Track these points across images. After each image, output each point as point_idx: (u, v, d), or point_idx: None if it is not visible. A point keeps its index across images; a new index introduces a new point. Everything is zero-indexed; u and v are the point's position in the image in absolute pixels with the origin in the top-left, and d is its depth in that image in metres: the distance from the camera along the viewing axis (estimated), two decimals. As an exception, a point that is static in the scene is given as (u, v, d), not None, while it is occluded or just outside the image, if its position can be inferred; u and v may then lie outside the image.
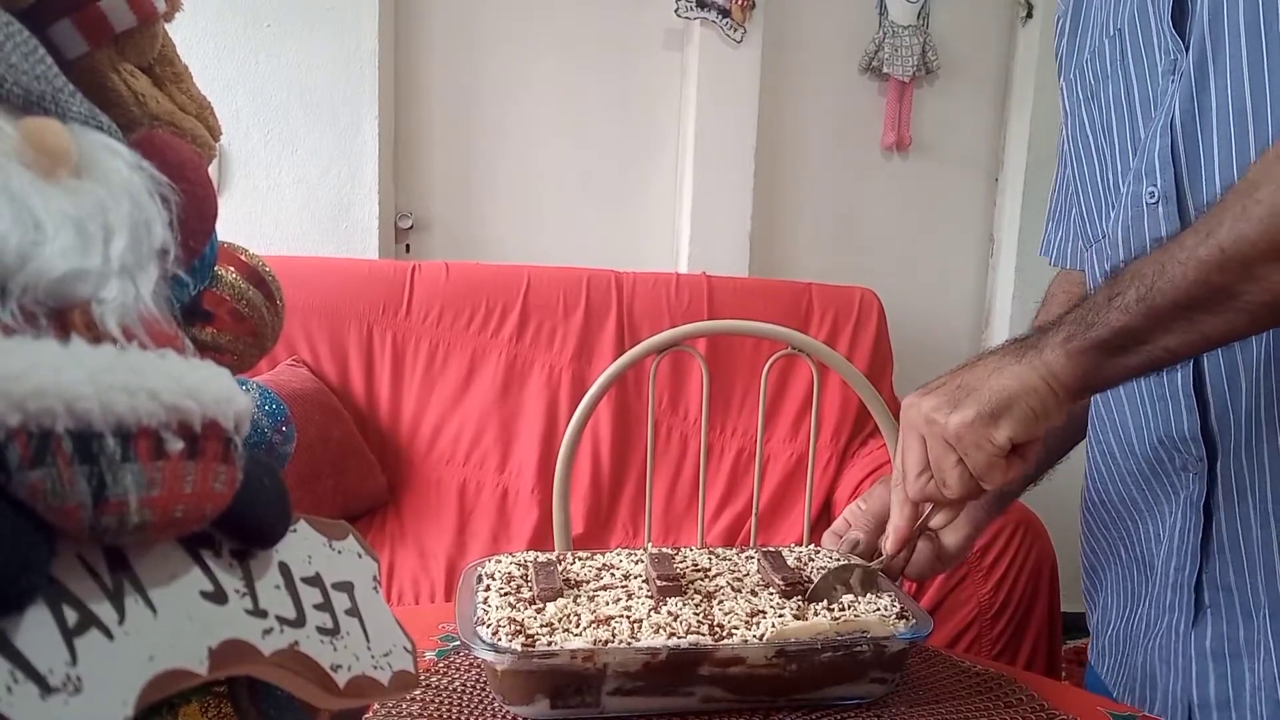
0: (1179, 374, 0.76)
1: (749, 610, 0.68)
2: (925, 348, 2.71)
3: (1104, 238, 0.83)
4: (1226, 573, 0.75)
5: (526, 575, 0.72)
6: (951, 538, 0.82)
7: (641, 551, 0.78)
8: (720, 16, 2.37)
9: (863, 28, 2.56)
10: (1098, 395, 0.85)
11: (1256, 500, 0.73)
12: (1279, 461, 0.71)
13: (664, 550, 0.78)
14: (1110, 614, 0.89)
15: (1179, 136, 0.72)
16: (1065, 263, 0.98)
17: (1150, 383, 0.79)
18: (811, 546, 0.83)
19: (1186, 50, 0.72)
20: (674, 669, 0.64)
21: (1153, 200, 0.75)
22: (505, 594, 0.69)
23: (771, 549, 0.80)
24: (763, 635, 0.64)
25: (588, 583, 0.72)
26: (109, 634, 0.28)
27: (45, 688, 0.25)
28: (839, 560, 0.79)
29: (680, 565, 0.76)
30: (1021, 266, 2.62)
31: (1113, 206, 0.81)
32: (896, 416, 0.84)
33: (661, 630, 0.64)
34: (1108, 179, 0.83)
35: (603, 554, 0.78)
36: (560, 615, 0.66)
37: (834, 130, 2.61)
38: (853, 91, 2.61)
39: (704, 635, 0.64)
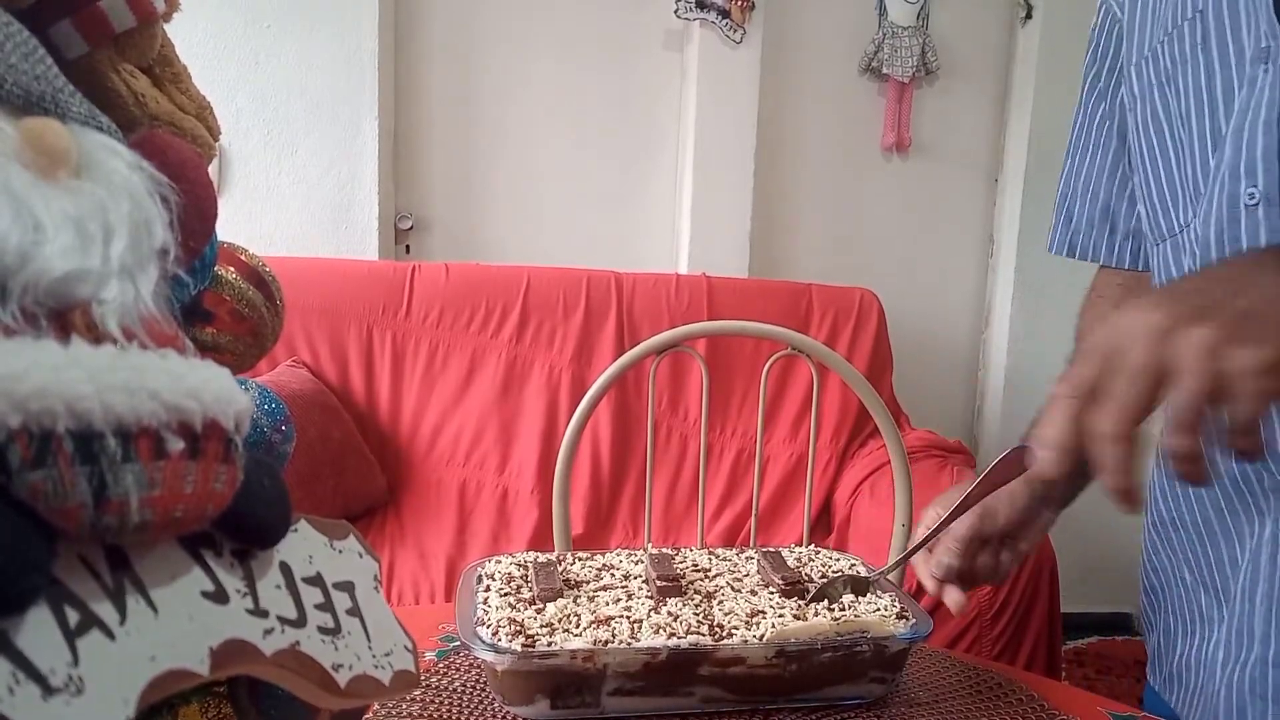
0: None
1: (749, 610, 0.68)
2: (925, 348, 2.71)
3: (1181, 232, 0.78)
4: None
5: (526, 576, 0.72)
6: (1025, 543, 0.79)
7: (641, 552, 0.78)
8: (720, 17, 2.37)
9: (862, 28, 2.56)
10: None
11: None
12: None
13: (664, 551, 0.78)
14: (1175, 638, 0.84)
15: None
16: (1085, 256, 0.93)
17: None
18: (811, 547, 0.83)
19: None
20: (674, 669, 0.64)
21: (1253, 202, 0.70)
22: (505, 594, 0.69)
23: (771, 549, 0.80)
24: (763, 635, 0.64)
25: (587, 583, 0.72)
26: (110, 634, 0.28)
27: (47, 688, 0.25)
28: (837, 559, 0.79)
29: (680, 566, 0.76)
30: (1021, 267, 2.62)
31: (1194, 201, 0.76)
32: (896, 417, 0.83)
33: (662, 630, 0.64)
34: (1185, 171, 0.78)
35: (602, 554, 0.78)
36: (560, 615, 0.66)
37: (834, 131, 2.61)
38: (853, 92, 2.61)
39: (704, 635, 0.64)
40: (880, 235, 2.68)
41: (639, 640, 0.63)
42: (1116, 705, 0.73)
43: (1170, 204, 0.79)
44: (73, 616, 0.27)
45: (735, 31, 2.38)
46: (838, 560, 0.80)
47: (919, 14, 2.54)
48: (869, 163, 2.65)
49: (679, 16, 2.37)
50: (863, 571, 0.77)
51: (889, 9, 2.54)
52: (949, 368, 2.79)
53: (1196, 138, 0.76)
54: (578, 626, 0.65)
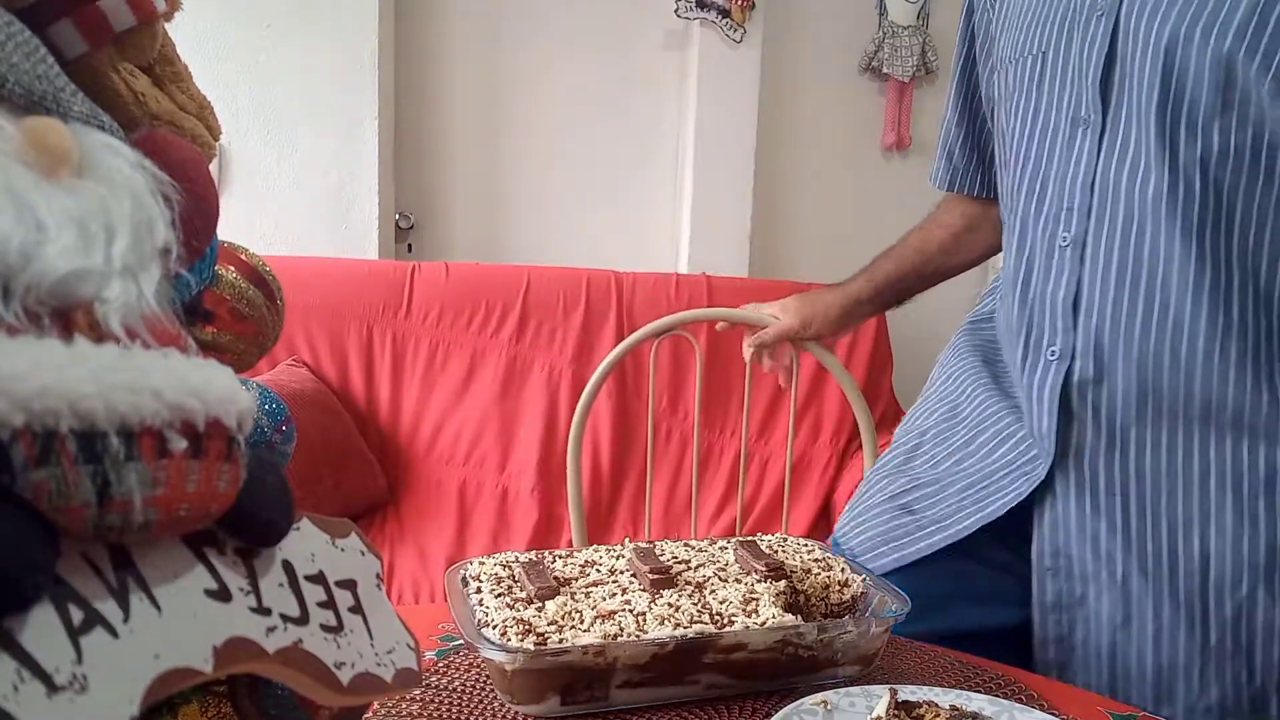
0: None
1: (742, 597, 0.70)
2: (925, 348, 2.71)
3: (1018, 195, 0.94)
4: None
5: (514, 575, 0.73)
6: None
7: (620, 547, 0.79)
8: (720, 16, 2.37)
9: (862, 28, 2.56)
10: None
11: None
12: None
13: (642, 545, 0.79)
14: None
15: (1093, 192, 0.83)
16: (963, 190, 1.18)
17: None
18: (779, 535, 0.85)
19: (1104, 116, 0.82)
20: (680, 658, 0.65)
21: (1064, 244, 0.87)
22: (499, 595, 0.69)
23: (746, 538, 0.81)
24: (764, 622, 0.66)
25: (576, 579, 0.73)
26: (114, 632, 0.28)
27: (51, 686, 0.25)
28: (809, 547, 0.82)
29: (661, 559, 0.77)
30: (1021, 266, 2.62)
31: (1030, 207, 0.91)
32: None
33: (666, 622, 0.65)
34: (1020, 182, 0.93)
35: (581, 551, 0.79)
36: (562, 613, 0.66)
37: (834, 130, 2.61)
38: (853, 91, 2.61)
39: (707, 624, 0.65)
40: (880, 235, 2.67)
41: (646, 633, 0.64)
42: (1116, 705, 0.74)
43: (1017, 182, 0.93)
44: (76, 615, 0.27)
45: (735, 31, 2.38)
46: (808, 548, 0.82)
47: (919, 13, 2.54)
48: (869, 162, 2.65)
49: (679, 16, 2.37)
50: (833, 559, 0.79)
51: (889, 8, 2.54)
52: (949, 367, 2.79)
53: (1029, 163, 0.91)
54: (582, 622, 0.65)
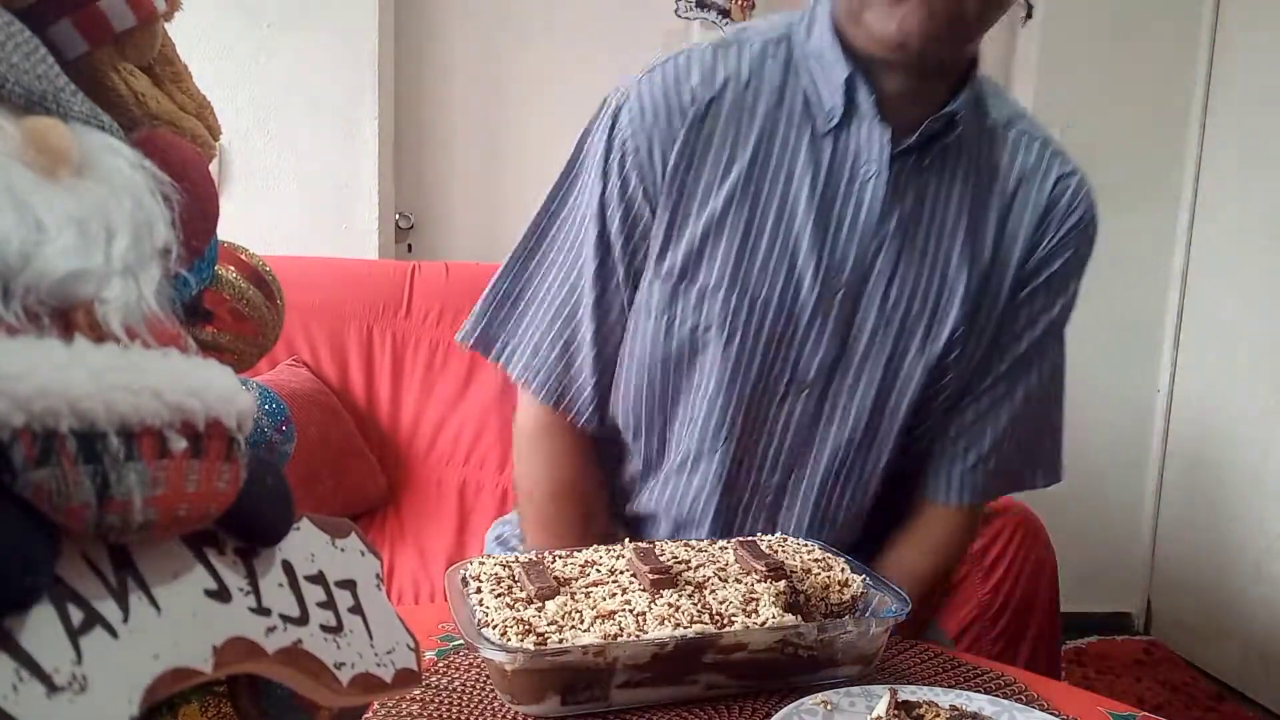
0: None
1: (742, 597, 0.70)
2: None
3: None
4: None
5: (514, 575, 0.73)
6: None
7: (620, 547, 0.79)
8: (720, 16, 2.37)
9: (862, 27, 2.56)
10: None
11: None
12: None
13: (642, 545, 0.79)
14: None
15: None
16: (550, 401, 0.98)
17: None
18: (779, 535, 0.85)
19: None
20: (680, 658, 0.65)
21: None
22: (499, 595, 0.69)
23: (746, 539, 0.81)
24: (764, 622, 0.66)
25: (576, 579, 0.73)
26: (114, 632, 0.28)
27: (51, 686, 0.25)
28: (808, 547, 0.81)
29: (661, 559, 0.76)
30: (1021, 266, 2.62)
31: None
32: None
33: (666, 622, 0.65)
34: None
35: (580, 551, 0.79)
36: (562, 613, 0.66)
37: (833, 130, 2.61)
38: (852, 91, 2.60)
39: (707, 624, 0.65)
40: (880, 235, 2.68)
41: (646, 632, 0.64)
42: (1116, 705, 0.74)
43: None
44: (76, 615, 0.27)
45: (735, 31, 2.38)
46: (808, 548, 0.82)
47: (919, 13, 2.54)
48: (869, 162, 2.64)
49: (679, 16, 2.37)
50: (834, 559, 0.79)
51: (889, 8, 2.53)
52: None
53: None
54: (582, 622, 0.65)
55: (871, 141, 0.85)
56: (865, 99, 0.84)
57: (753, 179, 0.86)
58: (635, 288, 0.91)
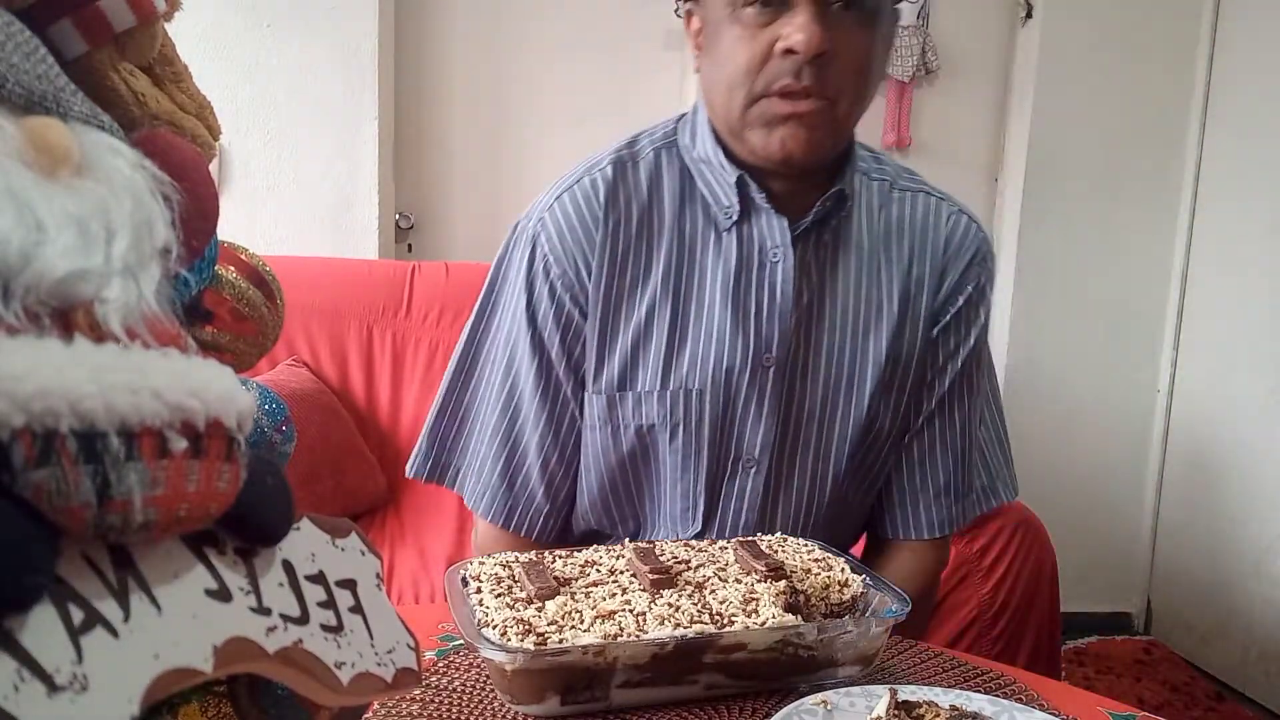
0: None
1: (742, 597, 0.70)
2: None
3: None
4: None
5: (514, 575, 0.73)
6: None
7: (620, 548, 0.79)
8: (720, 16, 2.37)
9: (862, 27, 2.55)
10: None
11: None
12: None
13: (642, 545, 0.79)
14: None
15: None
16: (519, 530, 0.99)
17: None
18: (779, 535, 0.85)
19: None
20: (681, 658, 0.65)
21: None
22: (499, 595, 0.69)
23: (746, 539, 0.81)
24: (764, 622, 0.66)
25: (576, 579, 0.73)
26: (114, 632, 0.28)
27: (52, 686, 0.25)
28: (808, 547, 0.81)
29: (661, 559, 0.77)
30: (1021, 267, 2.62)
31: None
32: None
33: (666, 622, 0.65)
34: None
35: (580, 551, 0.79)
36: (562, 613, 0.66)
37: (833, 130, 2.61)
38: (852, 91, 2.60)
39: (707, 624, 0.65)
40: (880, 235, 2.68)
41: (646, 633, 0.64)
42: (1116, 705, 0.74)
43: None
44: (76, 614, 0.27)
45: (735, 31, 2.38)
46: (808, 548, 0.82)
47: (919, 13, 2.54)
48: (869, 162, 2.64)
49: (679, 16, 2.37)
50: (834, 559, 0.79)
51: (889, 8, 2.53)
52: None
53: None
54: (582, 622, 0.65)
55: (772, 229, 0.90)
56: (757, 194, 0.89)
57: (669, 281, 0.91)
58: (583, 386, 0.94)
